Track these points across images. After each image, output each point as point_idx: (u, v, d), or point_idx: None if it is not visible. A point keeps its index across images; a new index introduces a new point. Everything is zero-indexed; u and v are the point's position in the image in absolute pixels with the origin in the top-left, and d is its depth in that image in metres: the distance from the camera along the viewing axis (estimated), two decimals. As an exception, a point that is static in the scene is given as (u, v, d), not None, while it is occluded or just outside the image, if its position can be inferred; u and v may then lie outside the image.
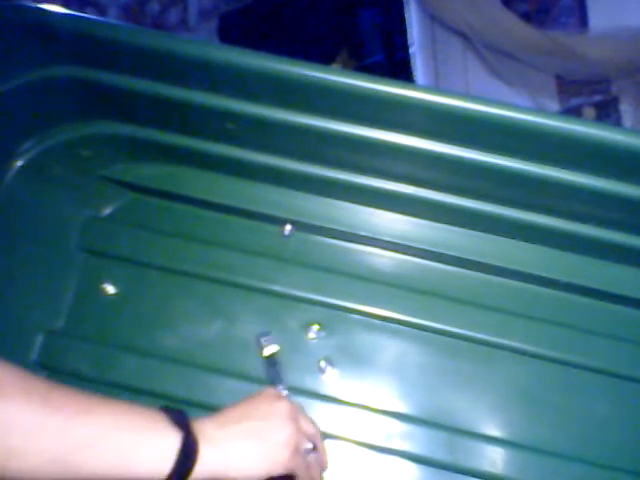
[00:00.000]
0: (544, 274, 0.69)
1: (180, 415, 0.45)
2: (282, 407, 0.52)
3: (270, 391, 0.55)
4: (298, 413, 0.53)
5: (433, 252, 0.70)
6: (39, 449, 0.38)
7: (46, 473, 0.39)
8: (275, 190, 0.71)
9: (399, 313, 0.70)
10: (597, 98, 1.22)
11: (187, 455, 0.43)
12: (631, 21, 1.14)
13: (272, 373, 0.69)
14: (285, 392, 0.66)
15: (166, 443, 0.42)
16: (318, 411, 0.68)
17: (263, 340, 0.69)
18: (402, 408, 0.70)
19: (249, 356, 0.71)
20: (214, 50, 0.54)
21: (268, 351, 0.69)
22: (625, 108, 1.19)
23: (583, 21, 1.24)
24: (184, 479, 0.43)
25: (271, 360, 0.69)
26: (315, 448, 0.55)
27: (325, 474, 0.59)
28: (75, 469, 0.39)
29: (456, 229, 0.70)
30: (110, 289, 0.73)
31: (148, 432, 0.42)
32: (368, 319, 0.72)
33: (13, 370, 0.40)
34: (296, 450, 0.50)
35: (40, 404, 0.39)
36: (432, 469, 0.67)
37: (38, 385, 0.40)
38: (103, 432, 0.40)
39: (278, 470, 0.48)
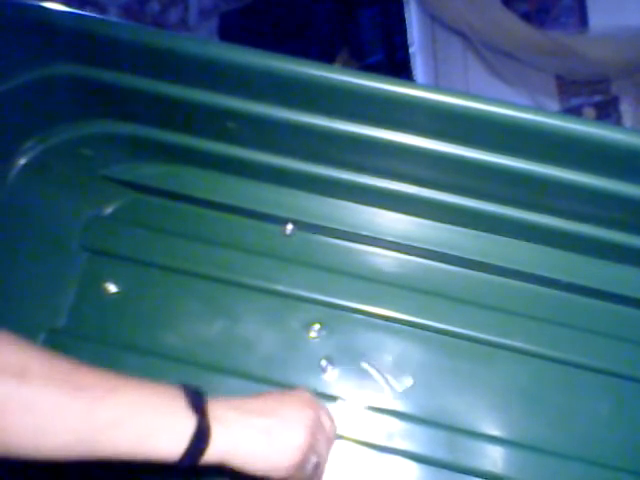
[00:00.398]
0: (545, 274, 0.69)
1: (197, 397, 0.45)
2: (308, 414, 0.51)
3: (305, 394, 0.54)
4: (320, 427, 0.52)
5: (435, 252, 0.70)
6: (65, 429, 0.39)
7: (74, 452, 0.40)
8: (277, 189, 0.71)
9: (401, 313, 0.70)
10: (597, 98, 1.23)
11: (200, 439, 0.43)
12: (631, 21, 1.14)
13: None
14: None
15: (181, 426, 0.43)
16: (319, 411, 0.68)
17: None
18: (403, 407, 0.70)
19: (251, 355, 0.71)
20: (216, 48, 0.54)
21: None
22: (625, 108, 1.19)
23: (583, 21, 1.24)
24: (195, 461, 0.43)
25: None
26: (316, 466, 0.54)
27: (326, 473, 0.59)
28: (100, 448, 0.40)
29: (458, 229, 0.70)
30: (112, 288, 0.73)
31: (166, 415, 0.43)
32: (370, 318, 0.72)
33: (36, 350, 0.40)
34: (303, 461, 0.49)
35: (63, 385, 0.39)
36: (433, 468, 0.67)
37: (61, 365, 0.41)
38: (127, 413, 0.41)
39: (280, 473, 0.48)
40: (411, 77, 1.29)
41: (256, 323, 0.72)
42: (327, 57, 1.38)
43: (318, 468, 0.54)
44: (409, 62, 1.31)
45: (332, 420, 0.56)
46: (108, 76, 0.60)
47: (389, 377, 0.70)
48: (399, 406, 0.70)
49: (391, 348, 0.71)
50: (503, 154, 0.57)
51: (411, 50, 1.32)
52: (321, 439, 0.52)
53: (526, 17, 1.25)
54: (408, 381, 0.70)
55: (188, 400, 0.45)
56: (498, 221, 0.66)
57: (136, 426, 0.41)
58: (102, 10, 1.53)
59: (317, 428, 0.51)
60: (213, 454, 0.44)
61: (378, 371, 0.69)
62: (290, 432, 0.49)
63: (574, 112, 1.23)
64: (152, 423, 0.42)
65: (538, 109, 0.53)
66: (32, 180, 0.68)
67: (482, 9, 1.21)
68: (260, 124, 0.61)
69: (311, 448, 0.50)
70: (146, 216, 0.75)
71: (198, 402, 0.45)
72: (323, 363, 0.70)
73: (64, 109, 0.65)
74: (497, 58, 1.25)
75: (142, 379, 0.44)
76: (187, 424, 0.43)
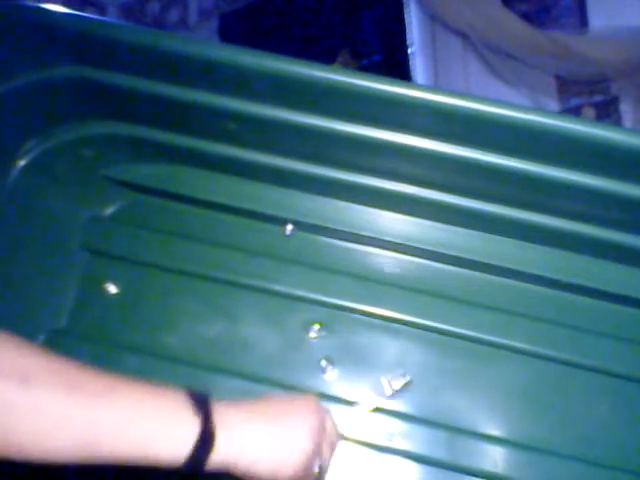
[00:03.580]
0: (545, 274, 0.69)
1: (202, 400, 0.45)
2: (313, 421, 0.50)
3: (311, 399, 0.53)
4: (324, 433, 0.52)
5: (434, 252, 0.70)
6: (68, 432, 0.39)
7: (77, 455, 0.39)
8: (276, 190, 0.71)
9: (400, 313, 0.70)
10: (597, 98, 1.23)
11: (204, 444, 0.43)
12: (631, 21, 1.14)
13: None
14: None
15: (185, 431, 0.42)
16: (319, 411, 0.68)
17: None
18: (403, 407, 0.70)
19: (251, 355, 0.71)
20: (215, 49, 0.54)
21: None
22: (625, 108, 1.19)
23: (583, 21, 1.24)
24: (198, 466, 0.43)
25: None
26: (319, 472, 0.53)
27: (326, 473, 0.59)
28: (104, 452, 0.40)
29: (457, 229, 0.70)
30: (112, 289, 0.73)
31: (170, 419, 0.42)
32: (369, 319, 0.72)
33: (38, 353, 0.40)
34: (306, 469, 0.49)
35: (66, 388, 0.39)
36: (433, 468, 0.67)
37: (63, 368, 0.40)
38: (128, 418, 0.41)
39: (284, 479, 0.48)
40: (411, 77, 1.29)
41: (256, 323, 0.72)
42: (327, 57, 1.38)
43: (321, 472, 0.54)
44: (409, 62, 1.31)
45: (335, 425, 0.55)
46: (109, 77, 0.60)
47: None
48: (399, 406, 0.70)
49: (391, 348, 0.71)
50: (503, 154, 0.57)
51: (411, 50, 1.32)
52: (325, 444, 0.52)
53: (526, 17, 1.25)
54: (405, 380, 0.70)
55: (192, 403, 0.44)
56: (497, 221, 0.66)
57: (139, 430, 0.41)
58: (102, 10, 1.53)
59: (321, 434, 0.51)
60: (217, 460, 0.43)
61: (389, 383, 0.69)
62: (295, 439, 0.48)
63: (574, 112, 1.23)
64: (155, 427, 0.41)
65: (538, 110, 0.53)
66: (32, 181, 0.68)
67: (482, 9, 1.22)
68: (260, 125, 0.61)
69: (315, 454, 0.50)
70: (146, 217, 0.75)
71: (202, 406, 0.44)
72: (323, 363, 0.70)
73: (65, 110, 0.66)
74: (497, 58, 1.25)
75: (145, 381, 0.44)
76: (191, 428, 0.42)
